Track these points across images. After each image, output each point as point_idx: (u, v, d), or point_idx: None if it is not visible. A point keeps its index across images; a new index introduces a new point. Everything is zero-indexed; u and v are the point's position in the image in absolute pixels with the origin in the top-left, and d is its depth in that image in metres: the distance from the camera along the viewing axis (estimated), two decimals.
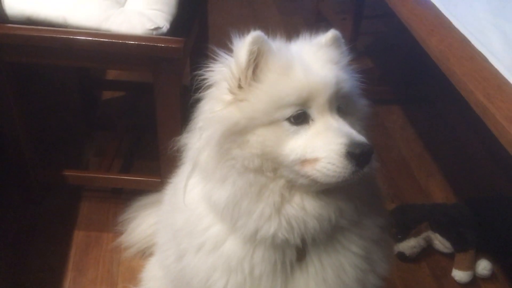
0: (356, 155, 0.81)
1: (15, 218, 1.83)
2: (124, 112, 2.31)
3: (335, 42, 0.96)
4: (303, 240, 0.90)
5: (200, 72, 0.92)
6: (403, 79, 2.65)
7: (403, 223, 1.82)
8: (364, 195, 0.94)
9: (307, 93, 0.85)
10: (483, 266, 1.73)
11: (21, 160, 1.75)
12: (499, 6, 1.28)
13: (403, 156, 2.31)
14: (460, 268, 1.73)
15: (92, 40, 1.46)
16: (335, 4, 3.29)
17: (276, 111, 0.85)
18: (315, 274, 0.94)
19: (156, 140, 1.66)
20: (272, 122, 0.85)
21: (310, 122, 0.86)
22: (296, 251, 0.93)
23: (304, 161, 0.84)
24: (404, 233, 1.81)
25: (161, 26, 1.52)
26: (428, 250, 1.83)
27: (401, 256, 1.79)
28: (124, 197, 1.88)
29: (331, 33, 0.96)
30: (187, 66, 1.99)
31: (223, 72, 0.90)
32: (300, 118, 0.86)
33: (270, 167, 0.86)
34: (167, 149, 1.03)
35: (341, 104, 0.90)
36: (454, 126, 2.48)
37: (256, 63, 0.86)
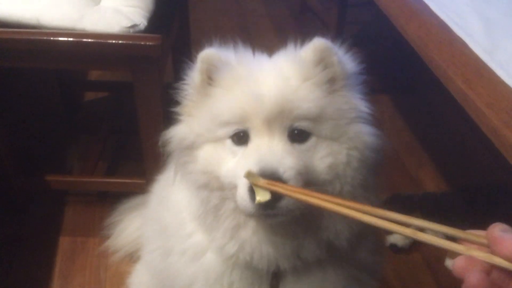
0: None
1: None
2: (107, 114, 2.27)
3: (318, 53, 0.83)
4: (269, 266, 0.87)
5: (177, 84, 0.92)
6: (391, 69, 2.62)
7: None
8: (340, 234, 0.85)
9: (241, 111, 0.80)
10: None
11: (1, 168, 1.71)
12: None
13: (393, 147, 2.28)
14: (453, 257, 1.70)
15: (65, 40, 1.42)
16: None
17: (218, 128, 0.82)
18: None
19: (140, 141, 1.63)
20: (217, 140, 0.83)
21: (248, 143, 0.81)
22: (272, 276, 0.90)
23: (235, 186, 0.78)
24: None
25: (138, 23, 1.49)
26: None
27: (394, 247, 1.76)
28: (110, 200, 1.84)
29: (313, 44, 0.84)
30: (169, 63, 1.96)
31: (185, 89, 0.90)
32: (242, 138, 0.81)
33: (216, 186, 0.84)
34: (150, 147, 1.02)
35: (302, 126, 0.80)
36: (444, 114, 2.46)
37: (209, 79, 0.86)
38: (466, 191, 1.85)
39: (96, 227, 1.79)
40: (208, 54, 0.86)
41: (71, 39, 1.43)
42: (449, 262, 1.94)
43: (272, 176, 0.72)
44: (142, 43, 1.43)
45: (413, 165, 2.17)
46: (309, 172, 0.78)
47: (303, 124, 0.80)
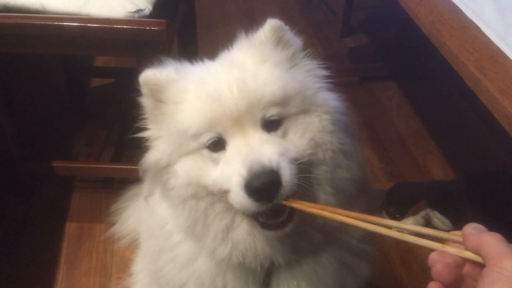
0: (254, 189, 0.73)
1: (5, 213, 1.80)
2: (113, 100, 2.26)
3: (274, 34, 0.85)
4: (262, 261, 0.87)
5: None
6: (399, 55, 2.59)
7: (401, 201, 1.79)
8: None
9: (206, 118, 0.79)
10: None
11: (8, 154, 1.71)
12: None
13: (399, 133, 2.26)
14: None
15: (70, 25, 1.41)
16: None
17: (190, 142, 0.81)
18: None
19: None
20: (192, 152, 0.82)
21: (226, 147, 0.80)
22: (265, 275, 0.90)
23: (225, 191, 0.79)
24: (402, 212, 1.77)
25: (143, 8, 1.47)
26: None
27: None
28: (116, 186, 1.84)
29: (268, 24, 0.86)
30: (174, 49, 1.95)
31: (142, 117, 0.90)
32: (219, 143, 0.80)
33: (205, 193, 0.83)
34: None
35: (274, 115, 0.79)
36: (451, 101, 2.43)
37: (158, 100, 0.85)
38: (474, 179, 1.83)
39: (102, 213, 1.80)
40: (146, 76, 0.86)
41: (75, 24, 1.41)
42: None
43: (262, 170, 0.73)
44: (147, 28, 1.42)
45: (420, 153, 2.15)
46: (295, 152, 0.79)
47: (273, 112, 0.80)
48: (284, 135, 0.81)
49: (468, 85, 0.93)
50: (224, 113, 0.78)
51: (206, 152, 0.81)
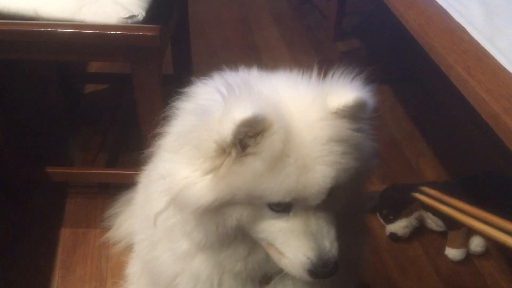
0: (317, 275, 0.78)
1: None
2: (108, 105, 2.26)
3: (355, 110, 0.74)
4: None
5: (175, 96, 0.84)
6: (391, 58, 2.61)
7: (394, 203, 1.80)
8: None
9: (294, 198, 0.74)
10: (477, 243, 1.72)
11: (2, 160, 1.71)
12: None
13: (393, 136, 2.28)
14: (453, 246, 1.72)
15: (64, 32, 1.41)
16: None
17: (257, 200, 0.75)
18: (283, 286, 0.93)
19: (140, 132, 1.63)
20: (251, 203, 0.76)
21: (291, 213, 0.77)
22: (263, 275, 0.92)
23: (271, 245, 0.80)
24: (395, 213, 1.79)
25: (136, 14, 1.48)
26: (420, 229, 1.81)
27: (394, 236, 1.77)
28: (111, 191, 1.84)
29: (353, 100, 0.73)
30: (168, 54, 1.96)
31: (203, 138, 0.73)
32: (281, 206, 0.77)
33: (242, 233, 0.82)
34: (146, 144, 0.98)
35: (335, 188, 0.77)
36: (444, 104, 2.45)
37: (242, 145, 0.71)
38: (466, 180, 1.85)
39: (97, 218, 1.79)
40: (251, 118, 0.68)
41: (69, 30, 1.42)
42: (449, 251, 1.96)
43: (329, 262, 0.77)
44: (141, 33, 1.43)
45: (413, 155, 2.17)
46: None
47: (336, 188, 0.77)
48: (333, 201, 0.79)
49: (458, 88, 0.94)
50: (307, 198, 0.75)
51: (266, 207, 0.77)
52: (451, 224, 1.74)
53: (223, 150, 0.73)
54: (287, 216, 0.78)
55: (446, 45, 0.96)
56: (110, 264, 1.67)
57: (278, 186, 0.72)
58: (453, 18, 1.03)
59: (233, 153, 0.72)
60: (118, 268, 1.64)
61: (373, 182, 2.01)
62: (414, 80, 2.61)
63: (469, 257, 1.72)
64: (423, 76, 2.59)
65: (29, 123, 2.12)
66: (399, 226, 1.77)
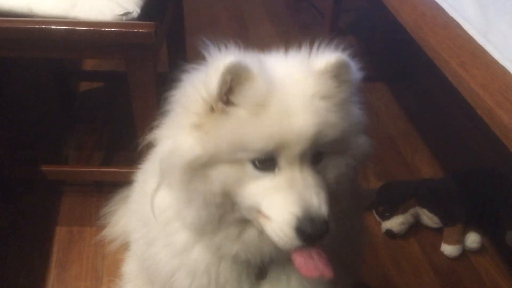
0: (304, 233, 0.73)
1: None
2: (103, 103, 2.26)
3: (337, 69, 0.78)
4: (263, 260, 0.88)
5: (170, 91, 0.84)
6: (387, 56, 2.61)
7: (390, 200, 1.81)
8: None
9: (276, 144, 0.74)
10: (472, 239, 1.72)
11: None
12: None
13: (389, 133, 2.28)
14: (449, 243, 1.72)
15: (58, 29, 1.40)
16: None
17: (240, 152, 0.75)
18: (277, 280, 0.92)
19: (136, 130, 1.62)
20: (235, 161, 0.76)
21: (276, 170, 0.77)
22: (258, 269, 0.91)
23: (259, 211, 0.77)
24: (391, 210, 1.79)
25: (131, 11, 1.47)
26: (416, 226, 1.81)
27: (390, 233, 1.77)
28: (106, 190, 1.83)
29: (335, 59, 0.77)
30: (163, 52, 1.95)
31: (190, 96, 0.79)
32: (266, 163, 0.76)
33: (230, 204, 0.81)
34: (142, 139, 0.98)
35: (322, 149, 0.78)
36: (439, 101, 2.46)
37: (227, 94, 0.75)
38: (462, 177, 1.86)
39: (92, 216, 1.79)
40: (235, 64, 0.72)
41: (63, 27, 1.41)
42: (444, 248, 1.96)
43: (317, 217, 0.73)
44: (135, 30, 1.42)
45: (409, 152, 2.18)
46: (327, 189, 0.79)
47: (324, 148, 0.78)
48: (321, 170, 0.79)
49: (451, 82, 0.94)
50: (292, 144, 0.74)
51: (249, 166, 0.76)
52: (447, 220, 1.74)
53: (210, 108, 0.76)
54: (272, 175, 0.77)
55: (441, 40, 0.96)
56: (106, 262, 1.66)
57: (261, 132, 0.74)
58: (448, 13, 1.03)
59: (219, 106, 0.75)
60: (114, 266, 1.63)
61: (369, 179, 2.01)
62: (409, 78, 2.62)
63: (465, 253, 1.73)
64: (419, 74, 2.59)
65: (24, 121, 2.11)
66: (395, 223, 1.77)
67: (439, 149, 2.18)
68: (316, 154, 0.78)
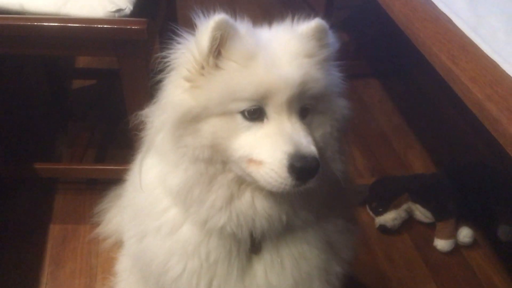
0: (297, 168, 0.76)
1: None
2: (96, 101, 2.25)
3: (317, 33, 0.87)
4: (254, 234, 0.89)
5: (163, 53, 0.87)
6: (380, 53, 2.62)
7: (383, 195, 1.82)
8: (325, 198, 0.91)
9: (264, 90, 0.79)
10: (465, 234, 1.73)
11: None
12: None
13: (381, 129, 2.30)
14: (441, 237, 1.73)
15: (50, 26, 1.40)
16: None
17: (230, 103, 0.80)
18: (271, 262, 0.93)
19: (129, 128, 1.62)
20: (225, 113, 0.80)
21: (265, 120, 0.81)
22: (251, 243, 0.91)
23: (250, 160, 0.80)
24: (384, 205, 1.80)
25: (123, 7, 1.47)
26: (409, 221, 1.82)
27: (383, 228, 1.78)
28: (100, 187, 1.83)
29: (315, 23, 0.87)
30: (156, 49, 1.95)
31: (184, 56, 0.84)
32: (255, 113, 0.80)
33: (220, 159, 0.83)
34: (129, 125, 1.01)
35: (308, 104, 0.84)
36: (432, 97, 2.47)
37: (218, 49, 0.81)
38: (454, 172, 1.87)
39: (86, 214, 1.79)
40: (224, 20, 0.80)
41: (55, 24, 1.40)
42: (437, 242, 1.97)
43: (309, 153, 0.77)
44: (128, 27, 1.42)
45: (401, 147, 2.19)
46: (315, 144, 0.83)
47: (309, 103, 0.84)
48: (307, 126, 0.84)
49: (442, 76, 0.95)
50: (280, 92, 0.79)
51: (239, 117, 0.80)
52: (439, 215, 1.75)
53: (201, 66, 0.82)
54: (261, 124, 0.81)
55: (431, 35, 0.97)
56: (100, 260, 1.66)
57: (250, 80, 0.79)
58: (438, 8, 1.04)
59: (210, 61, 0.81)
60: (108, 264, 1.63)
61: (362, 175, 2.03)
62: (402, 74, 2.63)
63: (458, 247, 1.74)
64: (412, 70, 2.61)
65: (17, 119, 2.10)
66: (388, 218, 1.78)
67: (432, 145, 2.19)
68: (302, 110, 0.83)
